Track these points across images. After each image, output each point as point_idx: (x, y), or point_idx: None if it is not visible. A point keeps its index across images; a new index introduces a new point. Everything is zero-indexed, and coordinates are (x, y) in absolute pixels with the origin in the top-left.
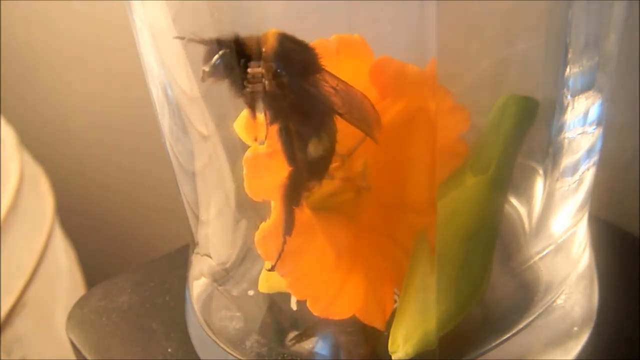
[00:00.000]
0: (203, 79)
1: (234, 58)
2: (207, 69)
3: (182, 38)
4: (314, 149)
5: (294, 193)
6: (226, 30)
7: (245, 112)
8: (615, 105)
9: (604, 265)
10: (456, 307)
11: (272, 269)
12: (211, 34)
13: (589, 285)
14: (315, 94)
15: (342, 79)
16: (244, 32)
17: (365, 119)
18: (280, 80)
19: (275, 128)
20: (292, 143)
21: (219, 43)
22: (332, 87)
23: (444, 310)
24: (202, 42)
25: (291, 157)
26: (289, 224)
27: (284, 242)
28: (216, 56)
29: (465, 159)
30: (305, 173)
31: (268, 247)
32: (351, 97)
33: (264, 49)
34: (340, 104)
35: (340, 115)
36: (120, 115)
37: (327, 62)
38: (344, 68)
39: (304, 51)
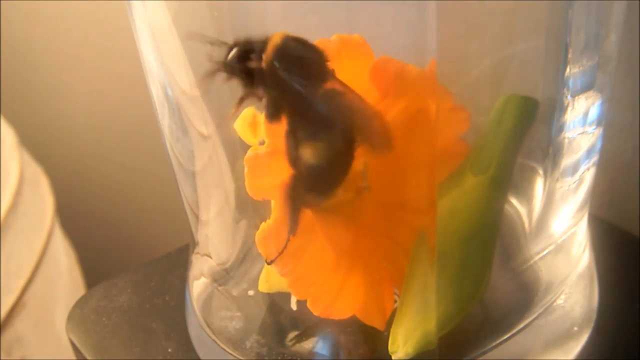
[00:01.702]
0: (211, 74)
1: (245, 56)
2: (216, 64)
3: (204, 38)
4: (309, 156)
5: (295, 196)
6: (226, 30)
7: (246, 112)
8: (615, 105)
9: (604, 265)
10: (456, 307)
11: (271, 263)
12: (211, 33)
13: (589, 285)
14: (314, 99)
15: (345, 81)
16: (244, 32)
17: (370, 135)
18: (279, 79)
19: (283, 129)
20: (295, 145)
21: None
22: (334, 95)
23: (444, 310)
24: (211, 40)
25: (292, 159)
26: (294, 224)
27: (288, 241)
28: (232, 52)
29: (465, 159)
30: (305, 181)
31: (268, 247)
32: (359, 109)
33: (268, 47)
34: (343, 115)
35: (337, 125)
36: (120, 115)
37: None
38: (344, 68)
39: (309, 53)
